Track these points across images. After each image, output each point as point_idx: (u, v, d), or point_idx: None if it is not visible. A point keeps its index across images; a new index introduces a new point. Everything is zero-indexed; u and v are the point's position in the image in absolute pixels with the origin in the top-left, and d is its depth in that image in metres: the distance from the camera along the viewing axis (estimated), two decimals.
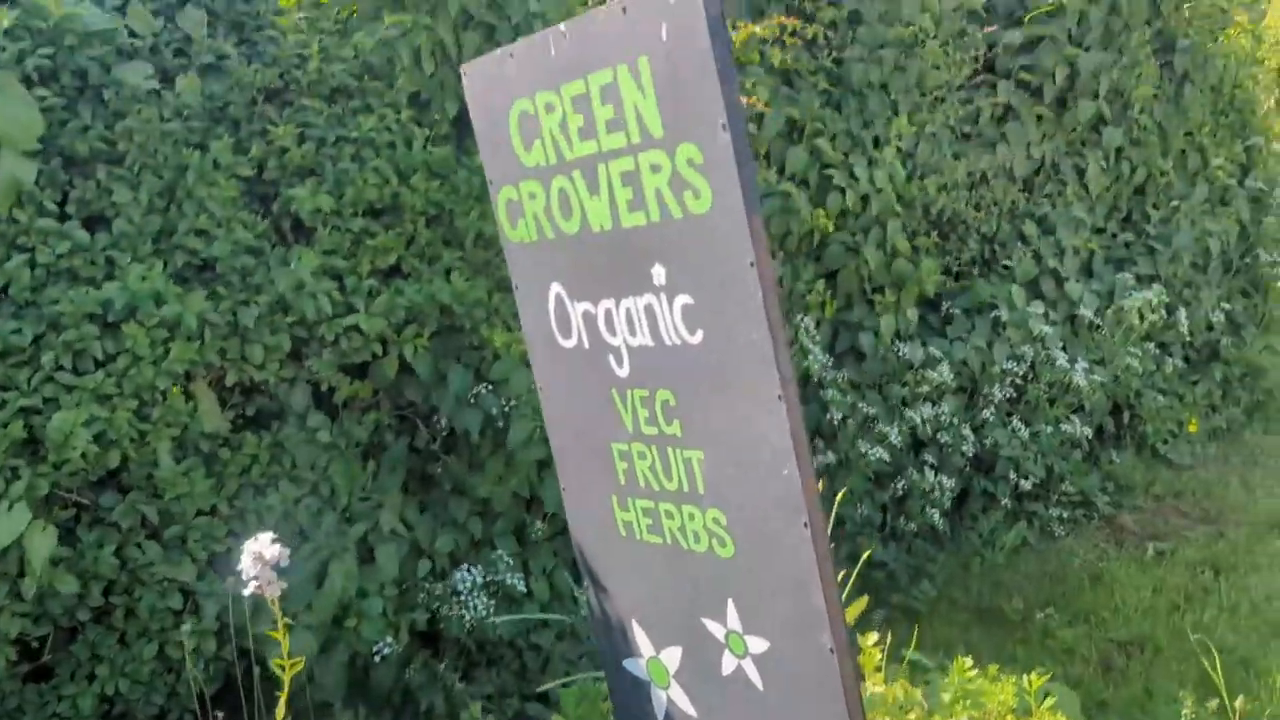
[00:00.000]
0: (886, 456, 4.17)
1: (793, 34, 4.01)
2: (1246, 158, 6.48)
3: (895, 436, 4.26)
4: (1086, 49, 5.20)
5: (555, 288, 2.14)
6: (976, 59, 4.99)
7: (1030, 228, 5.16)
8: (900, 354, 4.53)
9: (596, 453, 2.18)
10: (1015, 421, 4.80)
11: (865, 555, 3.83)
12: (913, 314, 4.66)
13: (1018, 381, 4.94)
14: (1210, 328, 6.12)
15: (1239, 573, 4.38)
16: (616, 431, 2.11)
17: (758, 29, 3.85)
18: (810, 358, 4.09)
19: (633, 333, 1.99)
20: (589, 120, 1.93)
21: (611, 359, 2.06)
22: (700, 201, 1.77)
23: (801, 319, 4.13)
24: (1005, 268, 5.07)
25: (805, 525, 1.77)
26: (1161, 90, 5.77)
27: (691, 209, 1.79)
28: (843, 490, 3.15)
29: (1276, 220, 6.40)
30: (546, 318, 2.19)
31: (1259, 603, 4.10)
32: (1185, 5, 5.90)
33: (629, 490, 2.12)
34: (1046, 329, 4.94)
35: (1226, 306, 6.13)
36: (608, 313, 2.03)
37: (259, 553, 1.55)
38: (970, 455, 4.72)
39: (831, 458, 4.24)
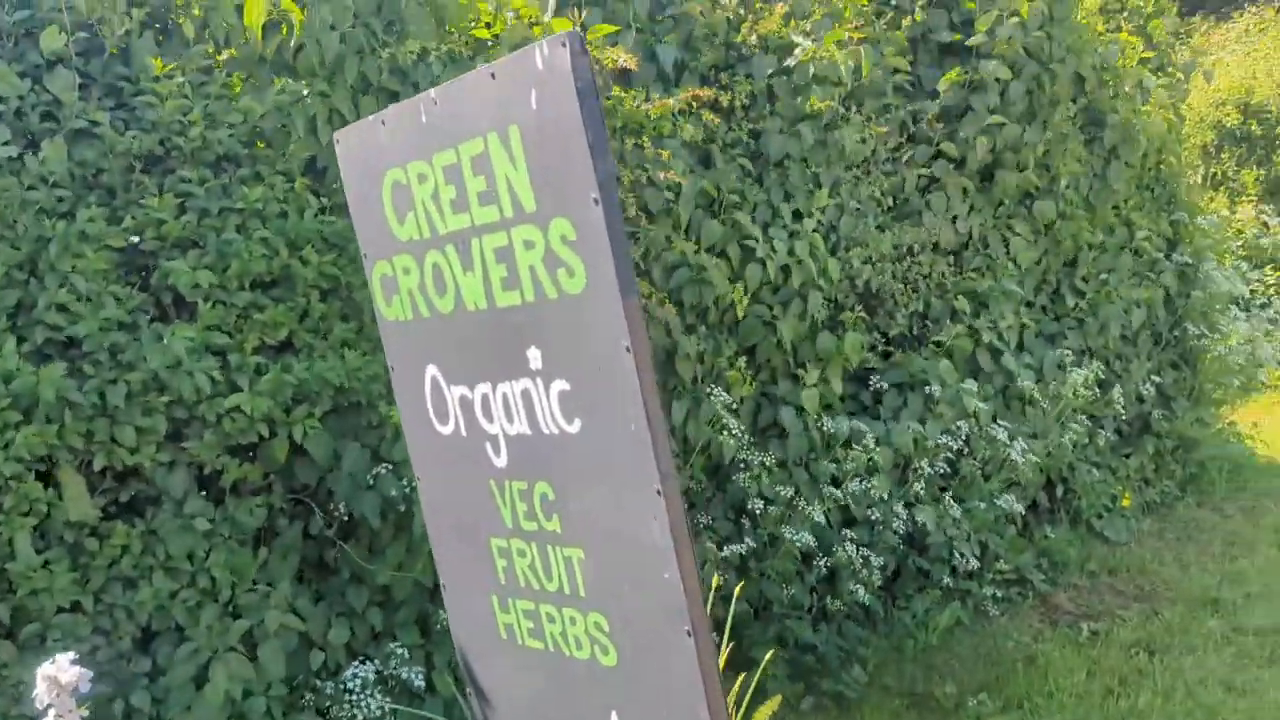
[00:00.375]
0: (812, 540, 4.02)
1: (711, 106, 3.95)
2: (1173, 232, 6.55)
3: (819, 514, 4.12)
4: (1011, 121, 5.21)
5: (431, 370, 1.99)
6: (900, 131, 4.98)
7: (961, 303, 5.12)
8: (826, 430, 4.42)
9: (476, 549, 2.01)
10: (947, 498, 4.69)
11: (767, 656, 3.66)
12: (838, 388, 4.57)
13: (951, 457, 4.85)
14: (1141, 400, 6.11)
15: (1173, 654, 4.27)
16: (495, 526, 1.95)
17: (672, 101, 3.79)
18: (728, 434, 3.96)
19: (510, 420, 1.84)
20: (461, 192, 1.80)
21: (489, 448, 1.91)
22: (574, 280, 1.64)
23: (722, 395, 4.01)
24: (936, 343, 5.00)
25: (688, 633, 1.62)
26: (1088, 164, 5.82)
27: (566, 288, 1.66)
28: (740, 584, 2.99)
29: (1203, 294, 6.45)
30: (423, 402, 2.03)
31: (1193, 686, 3.99)
32: (1111, 82, 5.99)
33: (509, 590, 1.96)
34: (981, 405, 4.87)
35: (1157, 379, 6.13)
36: (484, 398, 1.89)
37: (54, 677, 1.35)
38: (903, 533, 4.60)
39: (754, 542, 4.09)
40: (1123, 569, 5.22)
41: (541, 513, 1.83)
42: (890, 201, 4.97)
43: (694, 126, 3.98)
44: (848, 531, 4.26)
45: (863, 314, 4.80)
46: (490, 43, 3.83)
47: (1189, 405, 6.47)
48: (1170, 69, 6.44)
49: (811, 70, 4.36)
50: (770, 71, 4.40)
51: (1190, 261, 6.40)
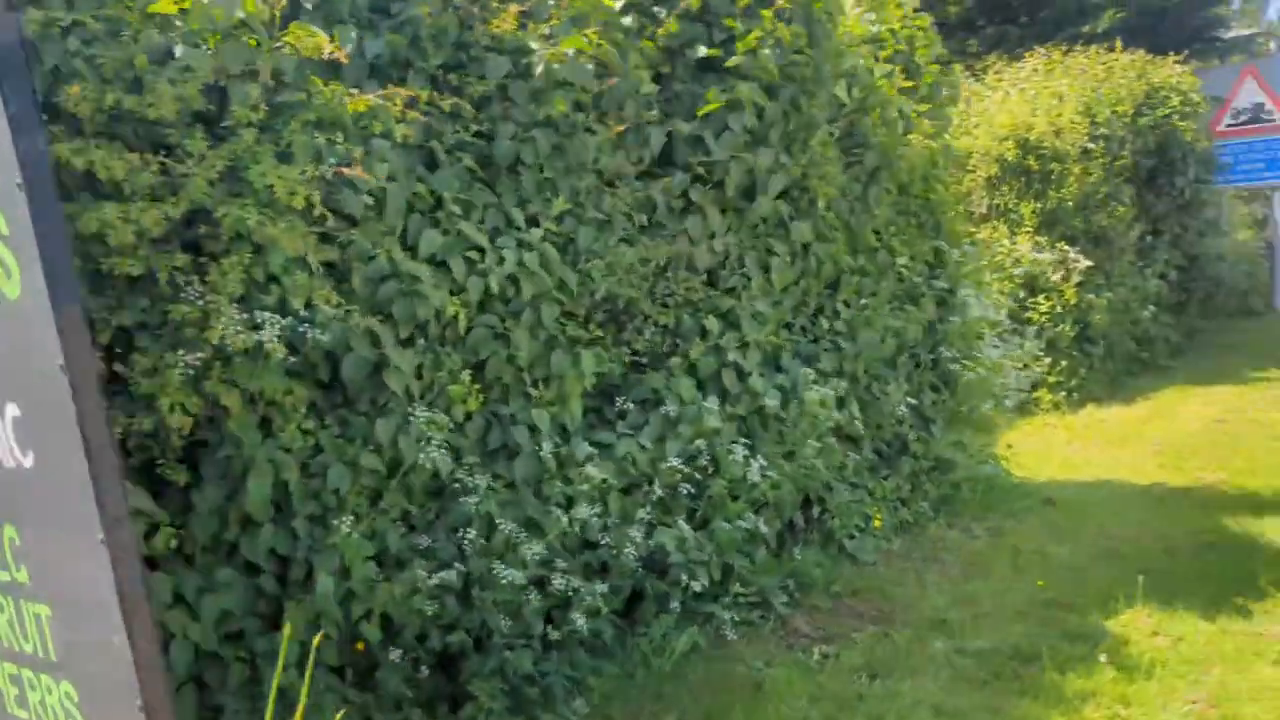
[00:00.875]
0: (520, 575, 3.82)
1: (428, 105, 3.71)
2: (935, 258, 6.71)
3: (537, 546, 3.92)
4: (768, 144, 5.18)
5: None
6: (653, 148, 4.86)
7: (712, 322, 5.04)
8: (560, 450, 4.24)
9: None
10: (680, 520, 4.57)
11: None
12: (576, 405, 4.40)
13: (696, 477, 4.74)
14: (900, 422, 6.20)
15: (895, 678, 4.26)
16: None
17: (372, 98, 3.53)
18: (440, 453, 3.72)
19: None
20: None
21: None
22: (11, 283, 1.36)
23: (432, 412, 3.76)
24: (681, 359, 4.90)
25: (141, 709, 1.35)
26: (848, 189, 5.87)
27: (6, 292, 1.38)
28: (318, 635, 2.74)
29: (960, 320, 6.62)
30: None
31: (905, 711, 3.97)
32: (876, 107, 6.07)
33: None
34: (718, 424, 4.79)
35: (912, 401, 6.24)
36: None
37: None
38: (642, 556, 4.45)
39: (473, 568, 3.85)
40: (865, 590, 5.23)
41: (12, 560, 1.54)
42: (644, 218, 4.84)
43: (407, 126, 3.73)
44: (558, 561, 4.07)
45: (607, 330, 4.65)
46: (177, 19, 3.48)
47: (946, 427, 6.63)
48: (935, 100, 6.60)
49: (550, 74, 4.17)
50: (505, 73, 4.19)
51: (948, 287, 6.56)
